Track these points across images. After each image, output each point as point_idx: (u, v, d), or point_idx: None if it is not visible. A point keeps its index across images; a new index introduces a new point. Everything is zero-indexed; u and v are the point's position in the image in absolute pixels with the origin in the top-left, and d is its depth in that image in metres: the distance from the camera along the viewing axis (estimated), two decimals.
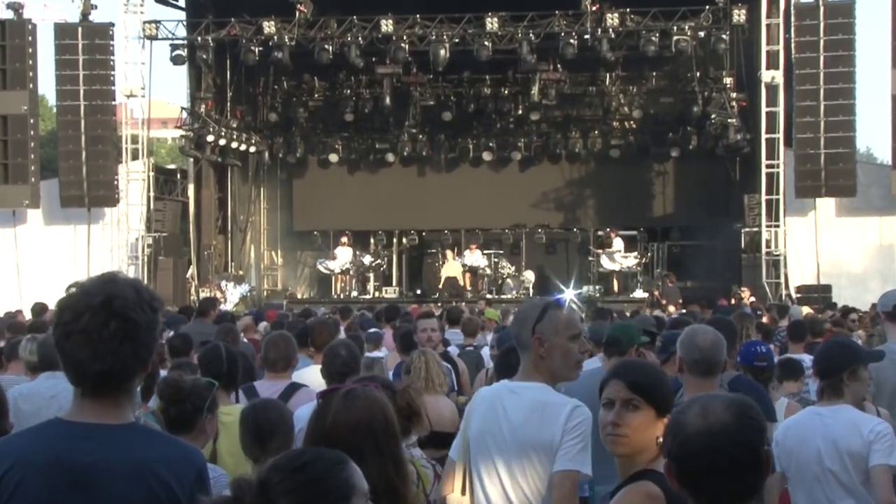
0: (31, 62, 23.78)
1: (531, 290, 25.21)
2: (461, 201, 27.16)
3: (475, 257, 24.91)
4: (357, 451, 2.48)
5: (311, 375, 6.16)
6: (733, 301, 20.08)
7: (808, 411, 4.75)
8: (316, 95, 27.41)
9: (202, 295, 24.36)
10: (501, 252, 26.09)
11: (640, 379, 2.96)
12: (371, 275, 26.33)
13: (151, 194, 25.11)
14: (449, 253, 25.06)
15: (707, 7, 23.11)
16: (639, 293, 24.48)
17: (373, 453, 2.50)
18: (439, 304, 21.17)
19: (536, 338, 3.54)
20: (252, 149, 27.02)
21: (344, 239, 25.89)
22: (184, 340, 7.40)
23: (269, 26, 23.48)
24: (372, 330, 10.35)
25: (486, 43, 23.36)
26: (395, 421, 2.57)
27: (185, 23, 25.14)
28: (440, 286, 24.94)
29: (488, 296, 23.82)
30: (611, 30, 23.21)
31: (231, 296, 23.90)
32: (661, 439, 2.87)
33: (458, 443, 3.71)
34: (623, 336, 5.72)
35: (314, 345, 7.00)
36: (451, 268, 24.62)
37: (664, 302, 21.54)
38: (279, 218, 28.58)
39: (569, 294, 21.27)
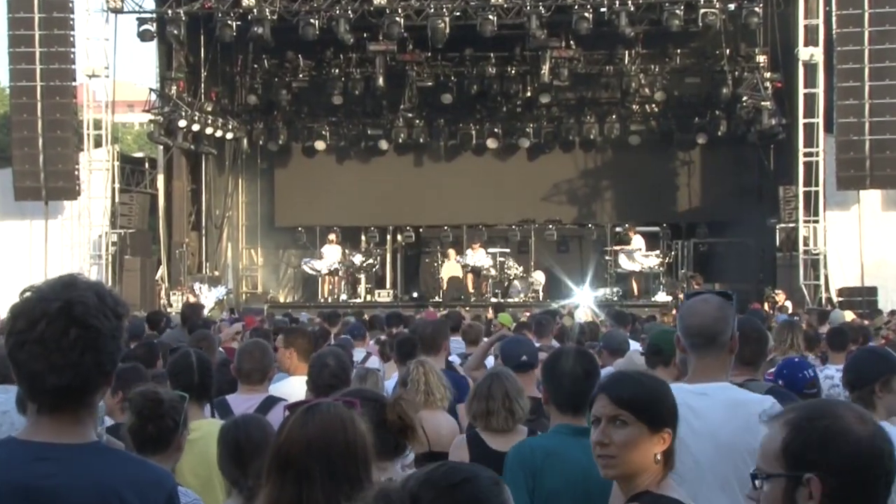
0: None
1: (541, 293, 25.21)
2: (463, 194, 27.16)
3: (478, 257, 24.91)
4: (306, 472, 2.50)
5: (291, 388, 6.17)
6: (767, 305, 20.09)
7: None
8: (300, 76, 27.41)
9: (173, 299, 24.40)
10: (508, 251, 26.09)
11: (627, 393, 2.97)
12: (362, 276, 26.34)
13: (116, 186, 25.12)
14: (451, 251, 25.06)
15: None
16: (661, 296, 24.48)
17: (324, 476, 2.51)
18: (442, 308, 21.20)
19: (736, 334, 3.76)
20: (229, 135, 27.03)
21: (332, 236, 25.90)
22: (149, 350, 7.40)
23: None
24: (347, 334, 10.32)
25: (490, 16, 23.37)
26: (360, 443, 2.56)
27: None
28: (443, 288, 24.92)
29: (493, 299, 23.82)
30: (630, 2, 23.21)
31: (206, 300, 23.88)
32: (659, 457, 2.92)
33: None
34: (664, 344, 5.76)
35: (297, 353, 7.01)
36: (453, 268, 24.63)
37: None
38: (259, 212, 28.59)
39: (583, 298, 21.32)
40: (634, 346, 9.19)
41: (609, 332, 9.18)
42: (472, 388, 5.23)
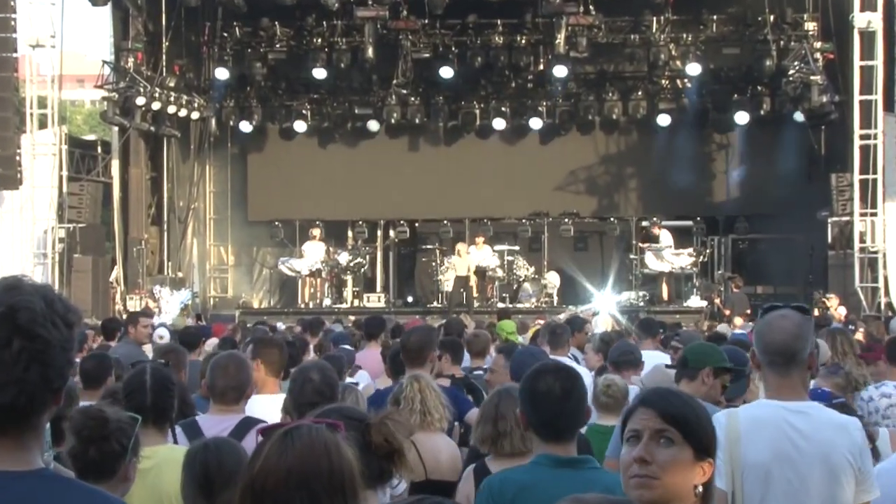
0: None
1: (555, 298, 25.22)
2: (465, 183, 27.17)
3: (483, 255, 24.91)
4: None
5: (269, 407, 6.17)
6: (817, 312, 20.09)
7: None
8: (277, 46, 27.41)
9: (129, 304, 24.40)
10: (517, 248, 26.11)
11: (676, 408, 2.97)
12: (349, 278, 26.36)
13: (64, 174, 25.10)
14: (461, 247, 24.98)
15: None
16: (694, 301, 24.51)
17: None
18: (443, 315, 21.19)
19: (811, 353, 4.12)
20: (194, 115, 27.04)
21: (314, 232, 25.91)
22: (99, 364, 7.39)
23: None
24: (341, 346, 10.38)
25: None
26: (347, 472, 2.57)
27: None
28: (446, 291, 24.90)
29: (500, 304, 23.84)
30: None
31: (168, 305, 23.91)
32: (699, 489, 2.91)
33: (724, 471, 4.00)
34: (691, 356, 5.89)
35: (265, 366, 7.04)
36: (461, 266, 24.55)
37: (727, 312, 21.59)
38: (230, 204, 28.60)
39: (604, 303, 21.32)
40: (656, 357, 9.21)
41: (617, 344, 9.21)
42: (479, 411, 5.22)
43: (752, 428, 4.08)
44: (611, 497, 2.22)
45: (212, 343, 11.87)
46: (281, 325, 17.92)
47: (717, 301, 23.40)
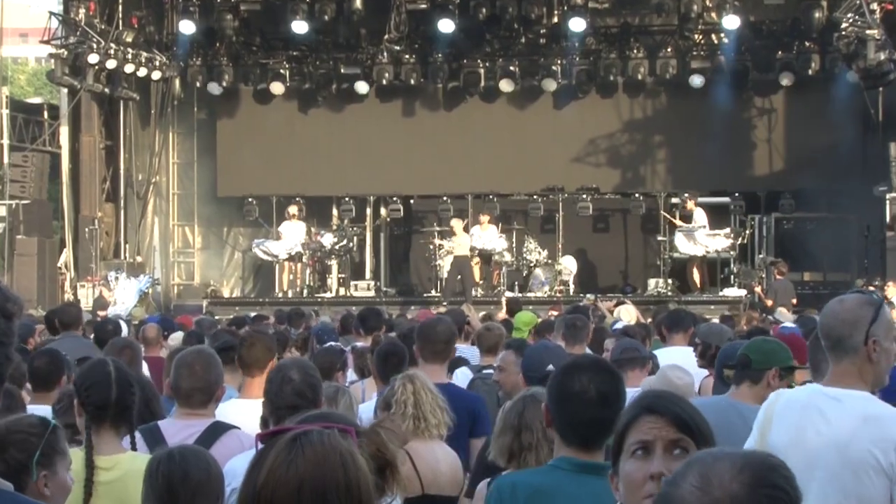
0: None
1: (570, 285, 25.21)
2: (468, 153, 27.14)
3: (488, 236, 24.90)
4: None
5: (242, 412, 6.20)
6: None
7: None
8: None
9: (81, 292, 24.40)
10: (527, 229, 26.07)
11: (688, 414, 2.98)
12: (334, 263, 26.34)
13: (5, 142, 25.07)
14: (456, 224, 24.94)
15: None
16: (732, 290, 24.48)
17: None
18: (444, 304, 21.22)
19: (873, 340, 4.32)
20: (156, 75, 26.97)
21: (293, 209, 25.90)
22: (51, 362, 7.38)
23: None
24: (329, 344, 10.41)
25: None
26: (364, 484, 2.57)
27: None
28: (444, 276, 24.87)
29: (508, 293, 23.83)
30: None
31: (124, 294, 23.89)
32: None
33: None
34: (755, 354, 5.91)
35: (244, 366, 7.07)
36: (461, 245, 24.50)
37: (770, 302, 21.56)
38: (196, 178, 28.60)
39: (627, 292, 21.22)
40: (686, 357, 9.18)
41: (620, 341, 9.20)
42: (499, 419, 5.19)
43: (784, 411, 4.43)
44: None
45: (176, 337, 11.89)
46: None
47: (758, 290, 23.39)
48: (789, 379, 5.95)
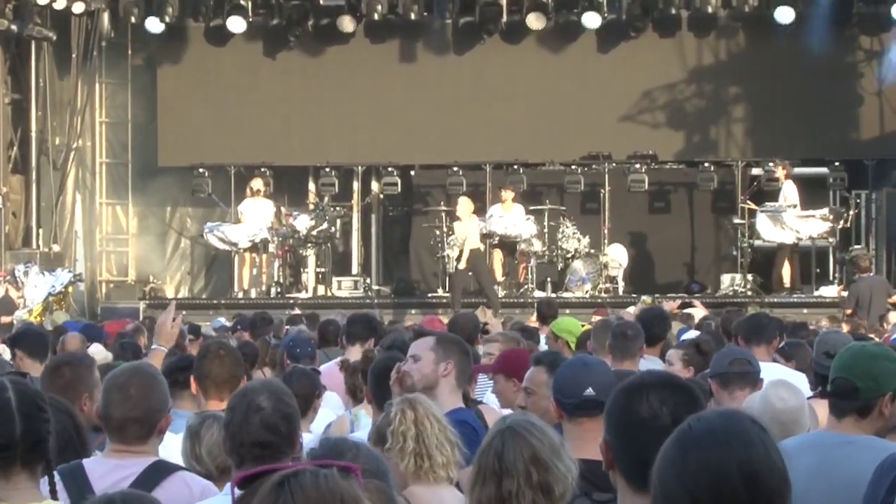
0: None
1: (620, 283, 25.18)
2: (484, 110, 27.12)
3: (512, 218, 24.92)
4: None
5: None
6: None
7: None
8: None
9: None
10: (563, 209, 26.08)
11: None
12: (310, 253, 26.34)
13: None
14: (463, 205, 24.84)
15: None
16: (830, 289, 24.41)
17: None
18: (451, 309, 21.20)
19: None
20: (78, 7, 26.95)
21: (257, 184, 25.93)
22: None
23: None
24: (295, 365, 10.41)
25: None
26: None
27: None
28: (451, 273, 24.84)
29: (538, 293, 23.81)
30: None
31: (35, 291, 23.88)
32: None
33: None
34: (864, 380, 5.77)
35: (204, 387, 7.17)
36: (468, 238, 24.43)
37: (850, 311, 21.28)
38: (131, 143, 28.62)
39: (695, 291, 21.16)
40: (774, 373, 9.17)
41: (725, 349, 9.18)
42: (473, 461, 5.19)
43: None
44: None
45: (100, 350, 11.88)
46: (216, 323, 17.97)
47: (839, 291, 23.37)
48: None
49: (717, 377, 8.36)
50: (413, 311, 23.18)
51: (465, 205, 24.66)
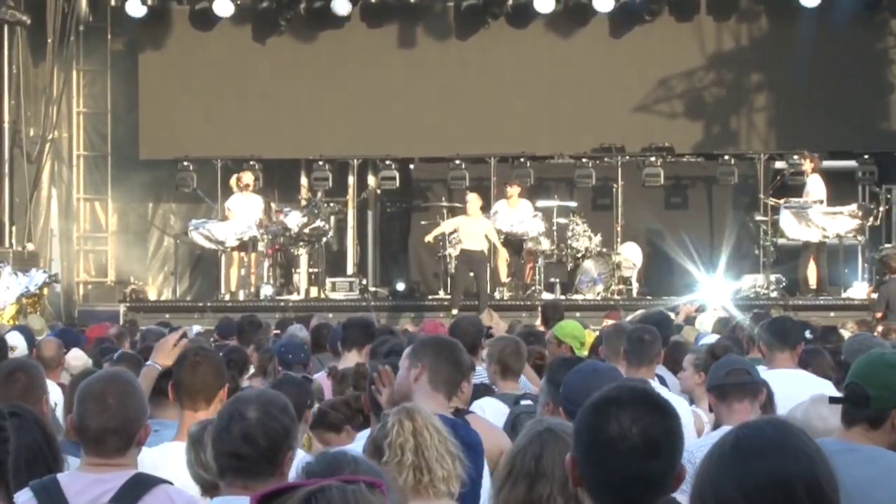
0: None
1: (635, 284, 25.20)
2: (489, 99, 27.14)
3: (518, 215, 24.96)
4: None
5: (176, 459, 6.30)
6: None
7: None
8: None
9: None
10: (574, 205, 26.13)
11: None
12: (302, 251, 26.37)
13: None
14: (472, 198, 24.85)
15: None
16: (859, 289, 24.42)
17: None
18: (452, 312, 21.23)
19: None
20: None
21: (246, 178, 25.94)
22: None
23: None
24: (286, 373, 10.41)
25: None
26: None
27: None
28: (453, 272, 24.85)
29: (546, 294, 23.82)
30: None
31: (7, 293, 23.89)
32: None
33: None
34: (878, 389, 5.75)
35: (182, 396, 7.18)
36: (472, 231, 24.45)
37: (879, 314, 21.38)
38: (110, 133, 28.65)
39: (714, 292, 21.25)
40: (799, 381, 9.13)
41: (723, 358, 9.13)
42: (503, 461, 5.21)
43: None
44: None
45: (78, 356, 11.88)
46: (194, 329, 17.90)
47: (869, 293, 23.39)
48: None
49: (714, 389, 8.33)
50: (410, 315, 23.20)
51: (473, 203, 24.69)
